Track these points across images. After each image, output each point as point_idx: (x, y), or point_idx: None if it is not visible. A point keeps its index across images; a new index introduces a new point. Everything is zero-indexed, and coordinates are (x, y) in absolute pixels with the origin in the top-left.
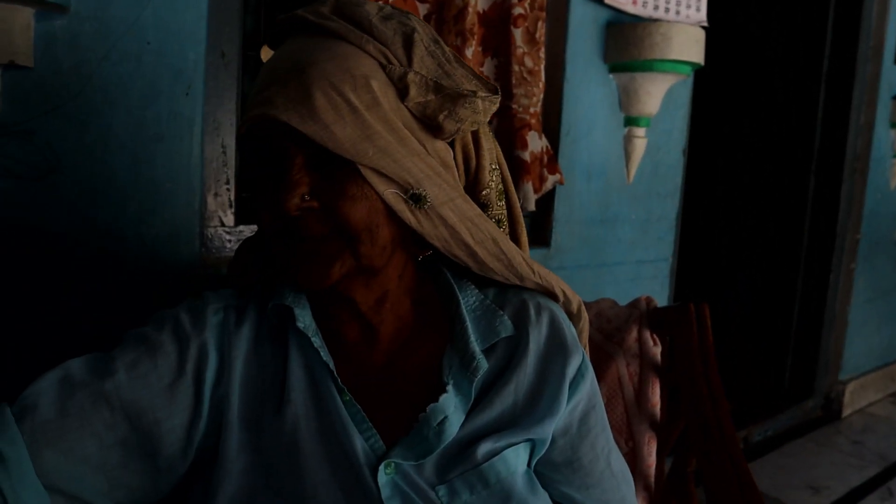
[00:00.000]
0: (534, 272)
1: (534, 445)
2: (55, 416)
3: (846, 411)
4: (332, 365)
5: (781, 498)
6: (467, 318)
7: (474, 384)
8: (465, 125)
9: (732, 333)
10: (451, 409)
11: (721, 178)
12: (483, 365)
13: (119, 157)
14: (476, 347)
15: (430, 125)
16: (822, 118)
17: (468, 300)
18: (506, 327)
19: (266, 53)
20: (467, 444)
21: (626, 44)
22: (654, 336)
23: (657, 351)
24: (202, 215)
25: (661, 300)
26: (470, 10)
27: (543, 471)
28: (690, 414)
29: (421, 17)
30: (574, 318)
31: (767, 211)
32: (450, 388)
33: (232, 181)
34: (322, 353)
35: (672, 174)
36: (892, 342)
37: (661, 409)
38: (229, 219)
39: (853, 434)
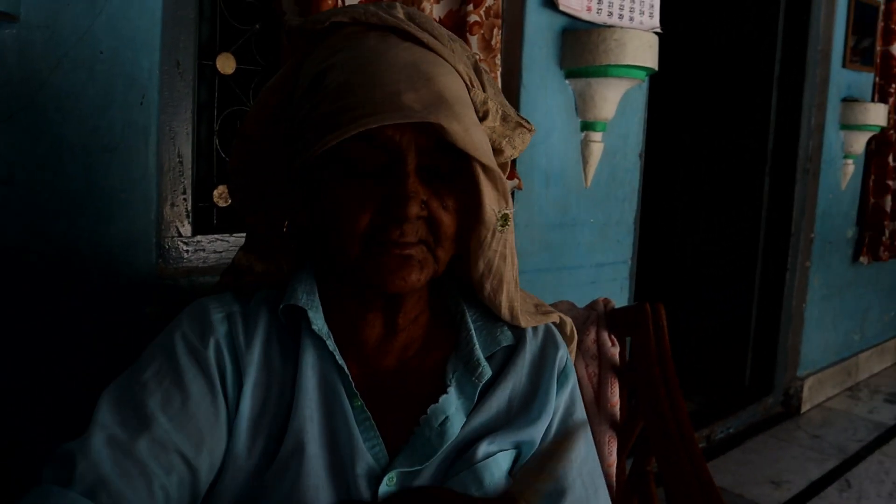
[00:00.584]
0: (523, 320)
1: (520, 452)
2: (122, 483)
3: (805, 406)
4: (346, 369)
5: (744, 493)
6: (472, 328)
7: (478, 388)
8: (516, 153)
9: (694, 333)
10: (452, 409)
11: (680, 180)
12: (487, 371)
13: (72, 166)
14: (480, 354)
15: (493, 149)
16: (775, 121)
17: (472, 311)
18: (506, 337)
19: (223, 62)
20: (465, 446)
21: (581, 50)
22: (612, 337)
23: (615, 351)
24: (158, 225)
25: (622, 302)
26: None
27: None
28: (648, 413)
29: None
30: (567, 338)
31: (725, 212)
32: (451, 389)
33: (189, 191)
34: (337, 357)
35: (629, 178)
36: (847, 338)
37: (621, 409)
38: (186, 229)
39: (812, 428)
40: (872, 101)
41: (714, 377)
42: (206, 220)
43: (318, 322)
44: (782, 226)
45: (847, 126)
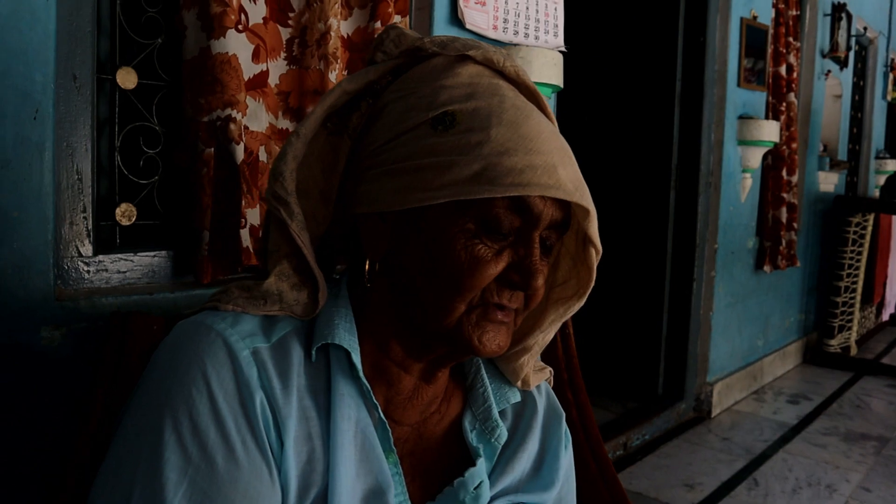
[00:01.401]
0: (533, 381)
1: None
2: None
3: (715, 411)
4: (387, 424)
5: (659, 496)
6: (489, 384)
7: (497, 451)
8: None
9: (609, 345)
10: (484, 473)
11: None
12: (505, 434)
13: None
14: (497, 414)
15: None
16: (678, 137)
17: (483, 365)
18: (514, 394)
19: (124, 77)
20: None
21: None
22: None
23: None
24: (56, 245)
25: None
26: (332, 34)
27: None
28: None
29: (283, 42)
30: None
31: (635, 225)
32: (481, 451)
33: (90, 209)
34: (379, 412)
35: None
36: (751, 343)
37: None
38: (87, 248)
39: (722, 431)
40: (766, 118)
41: (629, 387)
42: (108, 239)
43: (361, 369)
44: (688, 237)
45: (744, 142)
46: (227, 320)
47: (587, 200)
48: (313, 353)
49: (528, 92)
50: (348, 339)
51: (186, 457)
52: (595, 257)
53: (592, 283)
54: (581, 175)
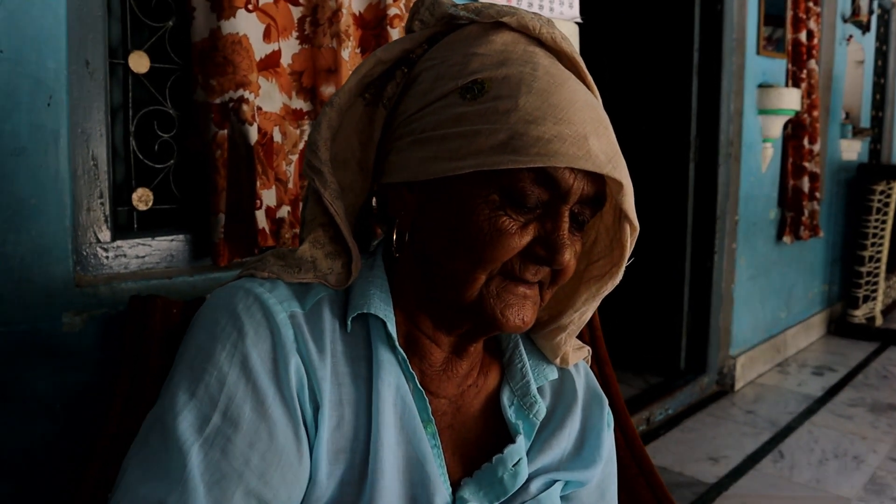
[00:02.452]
0: (572, 359)
1: (566, 484)
2: None
3: (739, 384)
4: (425, 394)
5: (684, 471)
6: (527, 359)
7: (536, 427)
8: None
9: (631, 320)
10: (523, 451)
11: None
12: (543, 410)
13: None
14: (536, 390)
15: None
16: (697, 108)
17: (521, 339)
18: (552, 371)
19: (136, 61)
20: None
21: None
22: None
23: None
24: (75, 231)
25: None
26: (344, 11)
27: None
28: None
29: (294, 21)
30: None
31: (654, 199)
32: (520, 428)
33: (107, 194)
34: (416, 381)
35: None
36: (774, 316)
37: None
38: (105, 234)
39: (746, 405)
40: (786, 86)
41: (651, 362)
42: (126, 224)
43: (398, 339)
44: (708, 210)
45: (764, 111)
46: (265, 286)
47: (620, 173)
48: (349, 322)
49: (568, 60)
50: (384, 308)
51: (213, 405)
52: (630, 234)
53: (625, 262)
54: (618, 147)
